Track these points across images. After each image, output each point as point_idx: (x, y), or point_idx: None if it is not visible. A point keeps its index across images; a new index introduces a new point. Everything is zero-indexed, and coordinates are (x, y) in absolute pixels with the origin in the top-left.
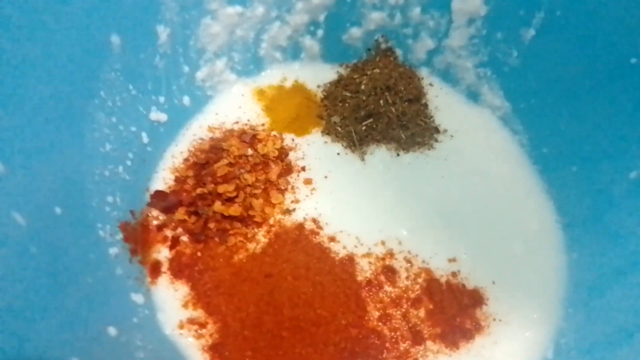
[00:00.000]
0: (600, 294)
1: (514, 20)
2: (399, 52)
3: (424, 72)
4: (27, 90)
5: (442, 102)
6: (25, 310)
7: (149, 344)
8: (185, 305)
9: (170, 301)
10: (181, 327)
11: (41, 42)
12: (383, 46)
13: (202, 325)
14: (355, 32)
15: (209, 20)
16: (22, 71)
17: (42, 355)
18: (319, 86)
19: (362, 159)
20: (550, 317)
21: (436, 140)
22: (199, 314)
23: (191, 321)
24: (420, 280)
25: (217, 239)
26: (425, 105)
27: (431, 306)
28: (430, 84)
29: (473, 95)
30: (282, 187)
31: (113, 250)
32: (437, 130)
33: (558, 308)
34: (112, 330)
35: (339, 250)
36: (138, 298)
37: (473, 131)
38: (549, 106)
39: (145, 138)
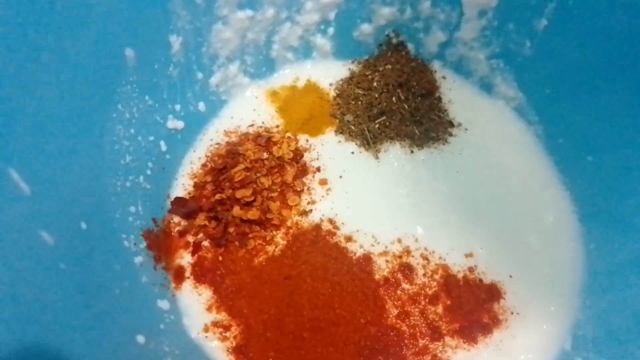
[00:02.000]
0: (617, 285)
1: (525, 10)
2: (410, 46)
3: (436, 65)
4: (45, 109)
5: (456, 95)
6: (56, 325)
7: (176, 348)
8: (209, 309)
9: (195, 305)
10: (206, 330)
11: (57, 60)
12: (394, 41)
13: (226, 328)
14: (366, 28)
15: (220, 26)
16: (39, 90)
17: None
18: (331, 84)
19: (376, 157)
20: (568, 309)
21: (450, 135)
22: (222, 317)
23: (215, 324)
24: (437, 276)
25: (237, 243)
26: (439, 99)
27: (449, 302)
28: (443, 77)
29: (487, 87)
30: (298, 189)
31: (138, 259)
32: (451, 124)
33: (575, 300)
34: (140, 338)
35: (356, 249)
36: (164, 304)
37: (487, 123)
38: (564, 96)
39: (163, 146)
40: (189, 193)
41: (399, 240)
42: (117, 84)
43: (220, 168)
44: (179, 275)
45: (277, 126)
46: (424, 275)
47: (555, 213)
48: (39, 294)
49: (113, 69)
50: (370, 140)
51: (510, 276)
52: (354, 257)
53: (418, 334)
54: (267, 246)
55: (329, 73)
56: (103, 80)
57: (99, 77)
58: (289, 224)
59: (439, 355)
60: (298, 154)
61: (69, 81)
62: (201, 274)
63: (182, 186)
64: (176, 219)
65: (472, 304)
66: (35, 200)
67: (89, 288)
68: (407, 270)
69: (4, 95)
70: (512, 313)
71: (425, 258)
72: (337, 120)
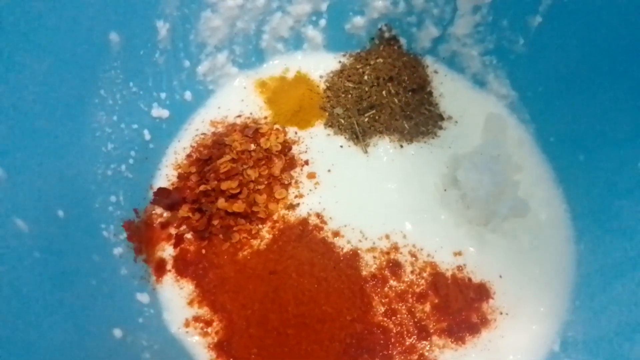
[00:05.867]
0: (607, 286)
1: (520, 7)
2: (403, 40)
3: (428, 60)
4: (25, 91)
5: (447, 88)
6: (30, 316)
7: (155, 343)
8: (190, 304)
9: (176, 300)
10: (187, 325)
11: (38, 42)
12: (387, 35)
13: (208, 323)
14: (359, 21)
15: (209, 14)
16: (19, 72)
17: None
18: (321, 76)
19: (366, 152)
20: (557, 310)
21: (440, 128)
22: (204, 311)
23: (197, 319)
24: (425, 274)
25: (221, 236)
26: (430, 94)
27: (437, 300)
28: (435, 71)
29: (479, 84)
30: (286, 182)
31: (117, 250)
32: (441, 117)
33: (565, 301)
34: (117, 332)
35: (343, 245)
36: (143, 298)
37: (478, 116)
38: (556, 95)
39: (147, 135)
40: (173, 184)
41: (387, 237)
42: (100, 69)
43: (206, 159)
44: (160, 268)
45: (266, 117)
46: (412, 272)
47: (547, 211)
48: (10, 283)
49: (97, 53)
50: (360, 134)
51: (500, 276)
52: (341, 253)
53: (405, 332)
54: (252, 240)
55: (319, 65)
56: (86, 64)
57: (81, 61)
58: (275, 217)
59: (426, 354)
60: (286, 147)
61: (50, 63)
62: (183, 267)
63: (165, 177)
64: (158, 210)
65: (461, 303)
66: (9, 185)
67: (65, 278)
68: (394, 267)
69: None
70: (501, 313)
71: (414, 255)
72: (327, 113)
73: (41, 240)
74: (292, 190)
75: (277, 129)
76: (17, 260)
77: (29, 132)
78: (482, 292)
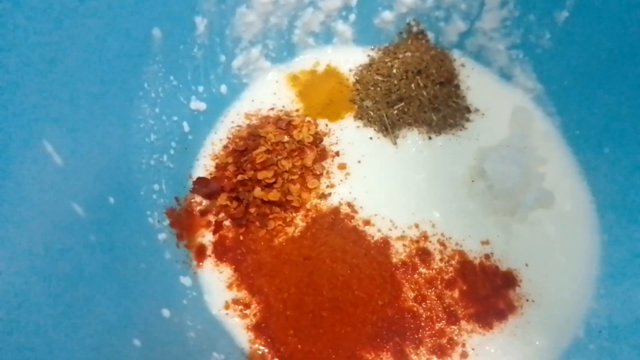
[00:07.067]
0: (632, 275)
1: (547, 1)
2: (430, 35)
3: (456, 54)
4: (78, 88)
5: (474, 81)
6: (89, 297)
7: (198, 324)
8: (229, 287)
9: (216, 283)
10: (227, 307)
11: (88, 40)
12: (415, 29)
13: (247, 306)
14: (387, 15)
15: (244, 9)
16: (72, 71)
17: (105, 337)
18: (351, 70)
19: (395, 143)
20: (582, 297)
21: (467, 120)
22: (243, 294)
23: (236, 302)
24: (454, 262)
25: (257, 223)
26: (457, 87)
27: (465, 287)
28: (462, 65)
29: (506, 77)
30: (318, 172)
31: (162, 236)
32: (468, 109)
33: (590, 289)
34: (165, 312)
35: (374, 233)
36: (186, 281)
37: (505, 109)
38: (582, 88)
39: (186, 127)
40: (210, 173)
41: (417, 225)
42: (144, 63)
43: (242, 150)
44: (200, 253)
45: (297, 110)
46: (441, 260)
47: (572, 202)
48: (72, 264)
49: (141, 48)
50: (389, 126)
51: (526, 264)
52: (372, 241)
53: (434, 317)
54: (286, 227)
55: (349, 59)
56: (131, 59)
57: (127, 56)
58: (308, 206)
59: (455, 338)
60: (318, 138)
61: (99, 59)
62: (222, 253)
63: (203, 167)
64: (198, 198)
65: (488, 290)
66: (67, 172)
67: (118, 262)
68: (424, 254)
69: (41, 75)
70: (527, 300)
71: (442, 244)
72: (356, 106)
73: (95, 225)
74: (324, 180)
75: (308, 122)
76: (77, 243)
77: (82, 124)
78: (508, 279)
